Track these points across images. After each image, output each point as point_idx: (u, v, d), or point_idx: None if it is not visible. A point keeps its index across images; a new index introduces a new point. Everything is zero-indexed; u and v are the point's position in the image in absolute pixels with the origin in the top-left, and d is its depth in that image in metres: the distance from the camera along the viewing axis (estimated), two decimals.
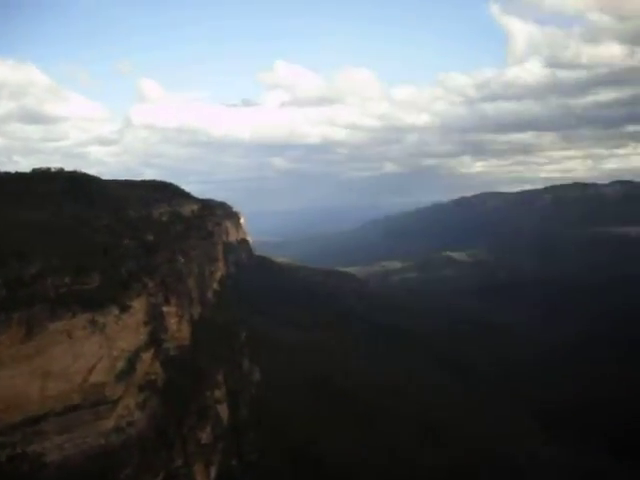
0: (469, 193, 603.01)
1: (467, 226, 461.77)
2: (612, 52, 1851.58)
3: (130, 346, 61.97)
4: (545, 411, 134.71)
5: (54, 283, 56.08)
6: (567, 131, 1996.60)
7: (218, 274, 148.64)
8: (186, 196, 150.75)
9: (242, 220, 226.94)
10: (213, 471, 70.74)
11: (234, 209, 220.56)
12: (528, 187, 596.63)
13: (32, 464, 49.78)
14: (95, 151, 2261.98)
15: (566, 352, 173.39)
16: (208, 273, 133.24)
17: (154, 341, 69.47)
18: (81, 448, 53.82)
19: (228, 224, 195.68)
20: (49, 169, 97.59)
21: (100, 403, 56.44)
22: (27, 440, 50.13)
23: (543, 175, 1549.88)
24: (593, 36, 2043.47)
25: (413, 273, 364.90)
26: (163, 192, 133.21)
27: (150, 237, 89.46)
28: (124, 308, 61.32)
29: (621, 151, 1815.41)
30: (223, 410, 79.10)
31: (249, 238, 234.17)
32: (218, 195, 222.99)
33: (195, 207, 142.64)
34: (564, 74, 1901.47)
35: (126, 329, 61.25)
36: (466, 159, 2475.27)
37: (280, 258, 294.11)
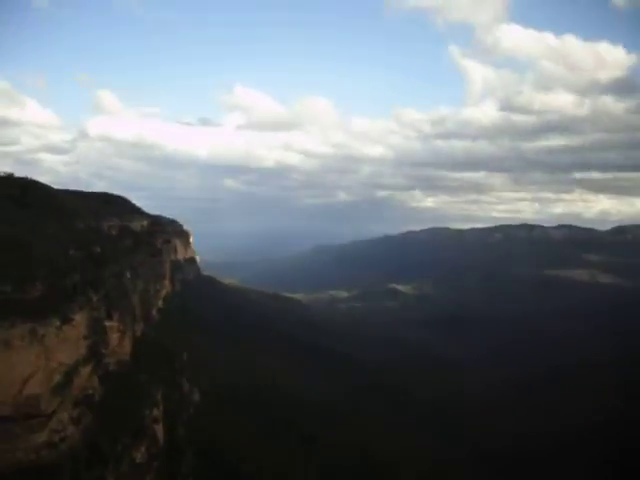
0: (419, 227, 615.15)
1: (415, 259, 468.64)
2: (562, 100, 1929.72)
3: (69, 359, 60.85)
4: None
5: None
6: (518, 173, 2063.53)
7: (164, 292, 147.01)
8: (137, 211, 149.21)
9: (191, 239, 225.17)
10: None
11: (184, 227, 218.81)
12: (478, 225, 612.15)
13: None
14: (47, 159, 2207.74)
15: (505, 389, 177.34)
16: (154, 290, 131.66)
17: (94, 355, 68.37)
18: (10, 462, 52.34)
19: (177, 242, 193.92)
20: None
21: (33, 416, 55.06)
22: None
23: (494, 214, 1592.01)
24: (545, 84, 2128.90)
25: (358, 302, 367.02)
26: (114, 205, 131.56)
27: (97, 250, 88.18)
28: (65, 320, 60.29)
29: (568, 196, 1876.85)
30: (159, 430, 77.85)
31: (197, 257, 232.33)
32: (169, 212, 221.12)
33: (145, 223, 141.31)
34: (517, 118, 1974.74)
35: (66, 342, 60.15)
36: (417, 193, 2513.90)
37: (227, 279, 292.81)
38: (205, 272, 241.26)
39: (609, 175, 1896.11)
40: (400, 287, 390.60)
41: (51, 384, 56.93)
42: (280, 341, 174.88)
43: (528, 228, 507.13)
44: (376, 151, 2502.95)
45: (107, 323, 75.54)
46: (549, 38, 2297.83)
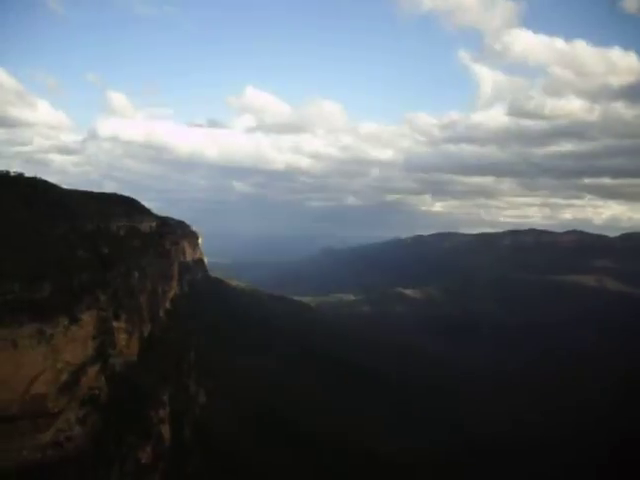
0: (428, 231, 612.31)
1: (423, 264, 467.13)
2: (572, 106, 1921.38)
3: (76, 359, 61.00)
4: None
5: (2, 290, 55.04)
6: (527, 178, 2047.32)
7: (171, 293, 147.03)
8: (145, 212, 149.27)
9: (200, 240, 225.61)
10: None
11: (193, 229, 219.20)
12: (487, 230, 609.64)
13: None
14: (57, 159, 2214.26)
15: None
16: (162, 291, 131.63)
17: (101, 356, 68.47)
18: (16, 461, 52.48)
19: (185, 243, 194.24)
20: (8, 173, 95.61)
21: (40, 415, 55.25)
22: None
23: (502, 220, 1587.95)
24: (555, 89, 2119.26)
25: (367, 306, 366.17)
26: (123, 206, 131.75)
27: (106, 250, 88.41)
28: (73, 320, 60.46)
29: (577, 202, 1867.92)
30: (165, 431, 77.91)
31: (205, 259, 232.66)
32: (177, 213, 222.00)
33: (154, 224, 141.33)
34: (527, 123, 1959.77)
35: (74, 341, 60.32)
36: (427, 198, 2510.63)
37: (235, 281, 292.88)
38: (213, 274, 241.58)
39: (619, 181, 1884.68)
40: (409, 291, 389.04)
41: (58, 384, 57.10)
42: (287, 343, 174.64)
43: (537, 233, 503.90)
44: (386, 155, 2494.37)
45: (115, 323, 75.67)
46: (559, 43, 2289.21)
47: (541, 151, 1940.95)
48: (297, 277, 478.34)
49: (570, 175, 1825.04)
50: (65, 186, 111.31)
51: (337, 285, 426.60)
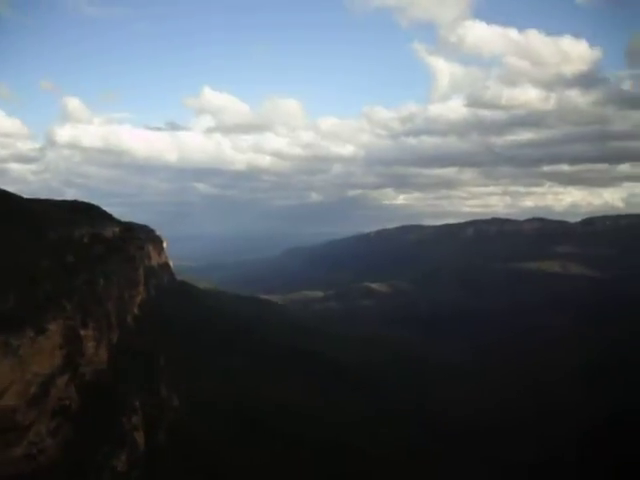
0: (391, 225, 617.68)
1: (389, 257, 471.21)
2: (529, 95, 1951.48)
3: (44, 370, 60.12)
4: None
5: None
6: (488, 168, 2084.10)
7: (138, 298, 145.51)
8: (108, 218, 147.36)
9: (165, 244, 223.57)
10: None
11: (157, 232, 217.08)
12: (451, 220, 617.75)
13: None
14: (15, 168, 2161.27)
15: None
16: (128, 297, 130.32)
17: (70, 365, 67.49)
18: None
19: (150, 248, 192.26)
20: None
21: (10, 429, 54.35)
22: None
23: (465, 210, 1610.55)
24: (511, 79, 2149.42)
25: (334, 302, 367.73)
26: (85, 213, 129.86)
27: (70, 258, 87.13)
28: (40, 330, 59.59)
29: (538, 189, 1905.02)
30: (139, 437, 77.18)
31: (171, 262, 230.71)
32: (141, 218, 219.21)
33: (117, 229, 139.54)
34: (485, 113, 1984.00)
35: (41, 352, 59.45)
36: (389, 191, 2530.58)
37: (202, 283, 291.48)
38: (180, 277, 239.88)
39: (578, 167, 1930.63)
40: (375, 285, 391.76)
41: (27, 396, 56.24)
42: (257, 342, 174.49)
43: (500, 222, 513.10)
44: (347, 150, 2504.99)
45: (82, 332, 74.46)
46: (513, 33, 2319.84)
47: (500, 140, 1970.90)
48: (264, 276, 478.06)
49: (530, 163, 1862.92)
50: (25, 195, 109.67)
51: (304, 282, 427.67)
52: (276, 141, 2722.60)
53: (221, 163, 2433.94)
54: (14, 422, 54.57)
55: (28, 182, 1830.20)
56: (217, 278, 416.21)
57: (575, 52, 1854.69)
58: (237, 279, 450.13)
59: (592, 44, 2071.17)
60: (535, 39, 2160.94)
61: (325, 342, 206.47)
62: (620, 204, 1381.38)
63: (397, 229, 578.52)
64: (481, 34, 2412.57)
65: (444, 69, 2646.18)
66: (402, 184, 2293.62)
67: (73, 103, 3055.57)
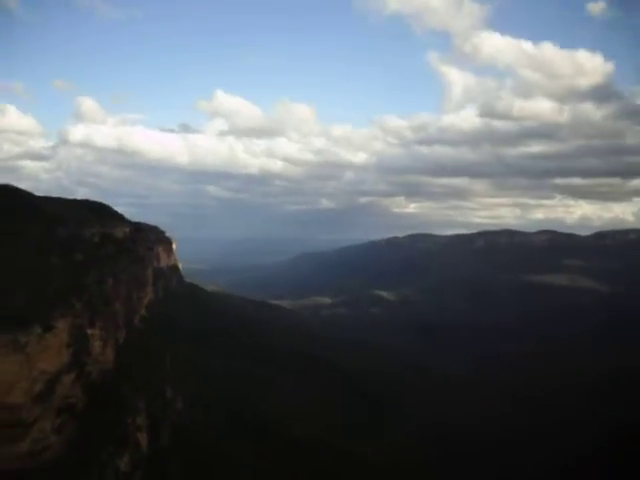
0: (402, 233, 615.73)
1: (398, 266, 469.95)
2: (542, 107, 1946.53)
3: (51, 367, 60.50)
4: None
5: None
6: (499, 179, 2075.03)
7: (146, 299, 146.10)
8: (119, 218, 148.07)
9: (174, 246, 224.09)
10: None
11: (167, 234, 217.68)
12: (461, 231, 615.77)
13: None
14: (28, 166, 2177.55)
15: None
16: (136, 298, 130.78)
17: (76, 364, 67.90)
18: None
19: (160, 249, 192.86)
20: None
21: (15, 425, 54.69)
22: None
23: (475, 220, 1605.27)
24: (524, 90, 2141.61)
25: (342, 309, 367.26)
26: (96, 212, 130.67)
27: (79, 257, 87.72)
28: (47, 328, 59.97)
29: (548, 202, 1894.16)
30: (143, 438, 77.45)
31: (180, 264, 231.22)
32: (151, 219, 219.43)
33: (127, 230, 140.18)
34: (497, 124, 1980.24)
35: (48, 350, 59.81)
36: (400, 200, 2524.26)
37: (210, 286, 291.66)
38: (188, 279, 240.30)
39: (590, 181, 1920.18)
40: (384, 293, 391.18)
41: (33, 393, 56.58)
42: (262, 347, 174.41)
43: (509, 234, 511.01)
44: (359, 158, 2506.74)
45: (89, 331, 74.96)
46: (527, 46, 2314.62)
47: (512, 151, 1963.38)
48: (274, 280, 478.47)
49: (541, 175, 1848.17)
50: (37, 193, 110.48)
51: (314, 288, 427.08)
52: (288, 146, 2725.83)
53: (233, 166, 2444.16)
54: (19, 418, 54.93)
55: (40, 180, 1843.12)
56: (226, 281, 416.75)
57: (589, 65, 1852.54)
58: (247, 283, 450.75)
59: (607, 58, 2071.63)
60: (549, 51, 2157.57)
61: (330, 348, 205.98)
62: (631, 218, 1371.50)
63: (407, 237, 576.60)
64: (495, 45, 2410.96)
65: (457, 79, 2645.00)
66: (413, 193, 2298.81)
67: (87, 103, 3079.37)
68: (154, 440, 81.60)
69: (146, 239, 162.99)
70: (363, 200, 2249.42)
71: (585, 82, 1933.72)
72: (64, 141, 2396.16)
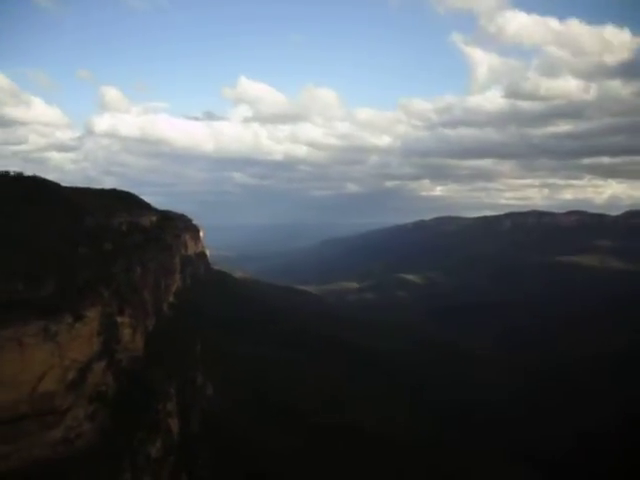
0: (428, 216, 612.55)
1: (425, 249, 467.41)
2: (569, 86, 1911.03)
3: (82, 356, 61.12)
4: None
5: (6, 289, 55.13)
6: (526, 160, 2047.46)
7: (175, 287, 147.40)
8: (146, 206, 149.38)
9: (201, 233, 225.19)
10: None
11: (194, 222, 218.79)
12: (487, 212, 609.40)
13: None
14: (55, 157, 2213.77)
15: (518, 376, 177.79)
16: (164, 285, 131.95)
17: (107, 352, 68.60)
18: (27, 459, 52.70)
19: (187, 237, 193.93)
20: (8, 173, 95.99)
21: (48, 413, 55.44)
22: None
23: (502, 202, 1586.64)
24: (550, 69, 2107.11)
25: (369, 293, 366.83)
26: (123, 201, 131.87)
27: (108, 246, 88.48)
28: (78, 317, 60.53)
29: (577, 182, 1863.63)
30: (174, 424, 78.12)
31: (207, 251, 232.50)
32: (178, 207, 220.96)
33: (154, 218, 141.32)
34: (523, 104, 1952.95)
35: (79, 338, 60.41)
36: (426, 183, 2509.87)
37: (238, 273, 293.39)
38: (215, 266, 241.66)
39: (618, 160, 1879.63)
40: (410, 277, 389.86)
41: (65, 381, 57.26)
42: (292, 333, 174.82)
43: (537, 215, 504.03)
44: (383, 141, 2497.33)
45: (119, 319, 75.65)
46: (553, 23, 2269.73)
47: (539, 132, 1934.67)
48: (301, 266, 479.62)
49: (569, 155, 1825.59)
50: (64, 184, 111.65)
51: (340, 273, 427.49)
52: (313, 131, 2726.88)
53: (258, 153, 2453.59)
54: (52, 406, 55.67)
55: (67, 171, 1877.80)
56: (254, 268, 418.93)
57: (617, 41, 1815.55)
58: (274, 269, 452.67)
59: (635, 33, 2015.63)
60: (576, 28, 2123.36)
61: (357, 330, 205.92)
62: None
63: (434, 220, 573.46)
64: (521, 24, 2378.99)
65: (482, 60, 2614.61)
66: (439, 175, 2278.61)
67: (110, 92, 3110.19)
68: (185, 426, 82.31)
69: (173, 227, 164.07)
70: (389, 184, 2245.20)
71: (612, 58, 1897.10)
72: (90, 132, 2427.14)
